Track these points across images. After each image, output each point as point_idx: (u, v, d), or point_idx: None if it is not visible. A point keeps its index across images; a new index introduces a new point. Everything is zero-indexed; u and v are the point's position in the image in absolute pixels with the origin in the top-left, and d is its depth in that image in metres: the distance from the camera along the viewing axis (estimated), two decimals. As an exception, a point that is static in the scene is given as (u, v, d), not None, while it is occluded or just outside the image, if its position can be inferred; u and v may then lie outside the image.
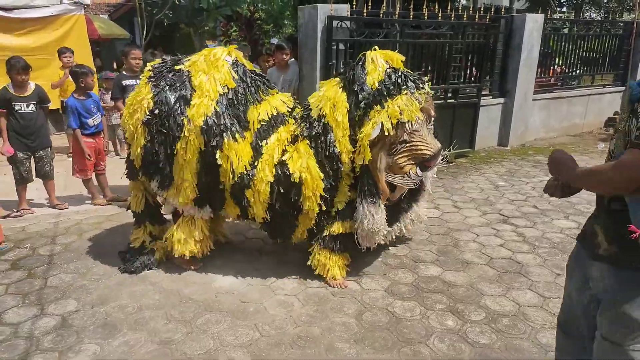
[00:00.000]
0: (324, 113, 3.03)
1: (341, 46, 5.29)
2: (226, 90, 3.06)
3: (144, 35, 11.37)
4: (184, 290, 3.15)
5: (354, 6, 5.55)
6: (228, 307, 2.95)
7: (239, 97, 3.10)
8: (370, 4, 5.97)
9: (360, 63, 3.08)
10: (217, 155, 3.01)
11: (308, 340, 2.65)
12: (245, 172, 3.06)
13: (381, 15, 5.54)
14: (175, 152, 3.04)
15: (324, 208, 3.11)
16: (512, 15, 6.94)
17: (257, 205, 3.12)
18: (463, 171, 6.08)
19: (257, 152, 3.10)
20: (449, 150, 3.86)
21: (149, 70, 3.21)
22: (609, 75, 8.81)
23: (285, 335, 2.69)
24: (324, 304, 3.00)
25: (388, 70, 3.02)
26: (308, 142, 3.06)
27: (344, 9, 5.29)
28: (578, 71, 8.43)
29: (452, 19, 6.03)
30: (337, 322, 2.82)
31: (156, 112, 3.02)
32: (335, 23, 5.12)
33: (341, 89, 3.08)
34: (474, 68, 6.53)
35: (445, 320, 2.84)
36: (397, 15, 5.71)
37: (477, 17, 6.27)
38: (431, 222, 4.35)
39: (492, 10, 7.03)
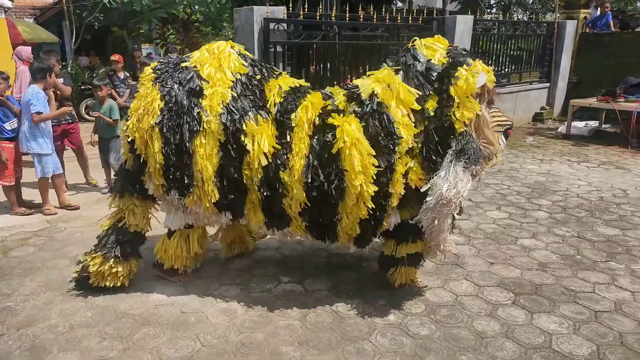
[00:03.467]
0: (377, 92, 2.78)
1: (279, 48, 5.28)
2: (239, 77, 2.89)
3: (74, 39, 10.82)
4: (119, 305, 3.01)
5: (290, 8, 5.57)
6: (168, 319, 2.85)
7: (253, 81, 2.91)
8: (306, 6, 6.00)
9: (412, 51, 2.87)
10: (242, 139, 2.75)
11: (252, 347, 2.61)
12: (274, 153, 2.76)
13: (318, 17, 5.57)
14: (194, 149, 2.77)
15: (375, 189, 2.68)
16: (443, 17, 7.20)
17: (295, 185, 2.74)
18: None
19: (284, 128, 2.81)
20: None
21: (151, 72, 2.93)
22: (536, 72, 9.35)
23: (228, 343, 2.64)
24: (268, 309, 2.97)
25: (447, 48, 2.89)
26: (358, 119, 2.76)
27: (280, 11, 5.29)
28: (507, 69, 8.89)
29: (387, 20, 6.17)
30: (281, 325, 2.80)
31: (168, 110, 2.78)
32: (272, 25, 5.10)
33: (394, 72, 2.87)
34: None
35: (387, 315, 2.90)
36: (333, 18, 5.78)
37: (410, 19, 6.45)
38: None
39: (425, 12, 7.26)
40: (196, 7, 12.02)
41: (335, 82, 5.80)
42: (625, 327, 2.77)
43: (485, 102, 2.84)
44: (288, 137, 2.79)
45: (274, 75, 3.02)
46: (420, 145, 2.76)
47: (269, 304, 3.02)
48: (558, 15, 9.69)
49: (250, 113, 2.80)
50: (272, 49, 5.15)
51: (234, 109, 2.78)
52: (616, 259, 3.63)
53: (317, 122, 2.80)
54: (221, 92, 2.79)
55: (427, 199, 2.64)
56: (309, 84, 3.16)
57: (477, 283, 3.29)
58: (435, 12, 7.23)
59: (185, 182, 2.83)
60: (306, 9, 5.67)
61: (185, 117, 2.76)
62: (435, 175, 2.65)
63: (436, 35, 3.02)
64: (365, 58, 6.27)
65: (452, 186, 2.58)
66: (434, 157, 2.73)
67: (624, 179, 5.68)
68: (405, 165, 2.75)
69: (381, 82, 2.83)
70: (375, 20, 6.04)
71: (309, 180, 2.72)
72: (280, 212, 2.87)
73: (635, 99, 7.35)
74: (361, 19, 5.88)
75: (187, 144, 2.76)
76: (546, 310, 2.96)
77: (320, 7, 5.62)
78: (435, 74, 2.77)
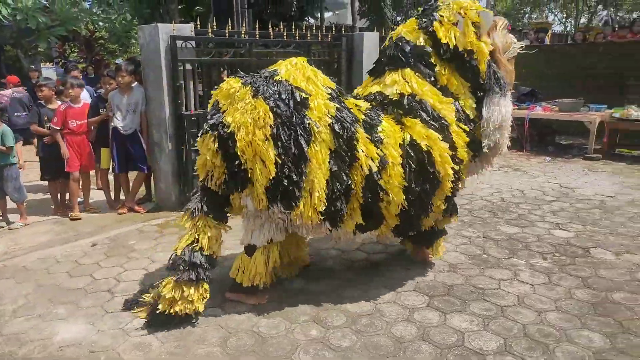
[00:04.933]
0: (402, 91, 3.20)
1: (188, 66, 5.15)
2: (329, 91, 3.01)
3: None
4: (18, 351, 2.73)
5: (198, 26, 5.47)
6: (74, 361, 2.64)
7: (338, 94, 3.08)
8: (215, 23, 5.93)
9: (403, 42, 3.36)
10: (357, 146, 2.90)
11: (169, 380, 2.48)
12: (376, 159, 2.96)
13: (227, 34, 5.53)
14: (307, 159, 2.80)
15: (465, 160, 3.27)
16: (352, 34, 7.46)
17: (394, 189, 2.98)
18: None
19: (374, 140, 3.01)
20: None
21: (243, 85, 2.87)
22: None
23: (143, 379, 2.49)
24: (186, 338, 2.84)
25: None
26: (410, 116, 3.15)
27: (188, 29, 5.18)
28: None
29: (297, 37, 6.27)
30: (200, 354, 2.69)
31: (281, 123, 2.78)
32: (179, 43, 4.97)
33: (389, 73, 3.32)
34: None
35: (310, 330, 2.90)
36: (244, 35, 5.76)
37: (320, 36, 6.61)
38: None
39: (334, 29, 7.47)
40: (100, 23, 11.44)
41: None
42: (528, 318, 3.00)
43: (495, 32, 3.37)
44: (380, 147, 3.01)
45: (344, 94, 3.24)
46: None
47: (187, 332, 2.90)
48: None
49: (357, 122, 2.99)
50: (181, 67, 5.02)
51: (342, 118, 2.92)
52: (517, 255, 3.93)
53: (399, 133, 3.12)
54: (324, 103, 2.91)
55: (487, 133, 3.30)
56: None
57: (395, 289, 3.40)
58: (344, 29, 7.45)
59: (296, 193, 2.82)
60: (214, 26, 5.61)
61: (297, 128, 2.81)
62: (483, 116, 3.28)
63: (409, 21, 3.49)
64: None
65: (494, 115, 3.25)
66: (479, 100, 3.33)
67: (521, 180, 6.21)
68: (463, 133, 3.24)
69: (397, 83, 3.24)
70: (285, 37, 6.11)
71: (408, 183, 3.03)
72: (377, 215, 3.08)
73: (526, 106, 8.09)
74: (272, 36, 5.93)
75: (302, 155, 2.80)
76: (458, 309, 3.12)
77: (229, 24, 5.56)
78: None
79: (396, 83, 3.23)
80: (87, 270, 3.78)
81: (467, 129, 3.26)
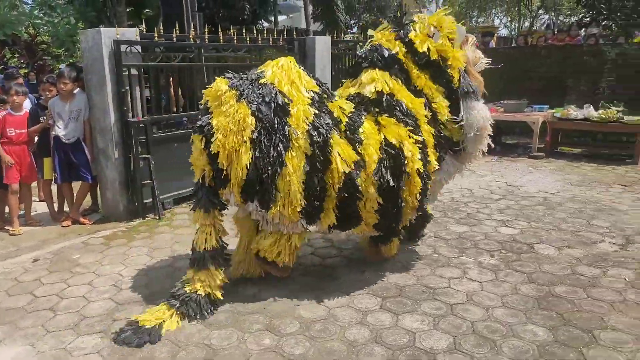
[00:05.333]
0: (382, 89, 3.40)
1: (134, 71, 5.00)
2: (312, 95, 3.16)
3: None
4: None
5: (144, 30, 5.32)
6: (11, 386, 2.48)
7: (322, 98, 3.22)
8: (164, 27, 5.80)
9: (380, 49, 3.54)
10: (332, 153, 3.05)
11: (115, 400, 2.38)
12: (354, 163, 3.13)
13: (175, 38, 5.40)
14: (284, 164, 2.97)
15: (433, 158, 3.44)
16: (304, 37, 7.48)
17: (370, 189, 3.18)
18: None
19: (355, 142, 3.19)
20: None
21: (228, 88, 3.01)
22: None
23: (86, 401, 2.38)
24: (133, 355, 2.74)
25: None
26: (386, 114, 3.35)
27: (133, 33, 5.02)
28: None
29: (248, 41, 6.22)
30: (148, 370, 2.60)
31: (262, 127, 2.95)
32: (123, 47, 4.81)
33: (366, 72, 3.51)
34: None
35: (262, 339, 2.86)
36: (192, 39, 5.65)
37: (271, 39, 6.58)
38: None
39: (285, 32, 7.47)
40: (41, 27, 10.93)
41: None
42: (476, 316, 3.08)
43: (466, 45, 3.67)
44: (359, 148, 3.19)
45: (332, 95, 3.40)
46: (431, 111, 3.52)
47: (133, 349, 2.79)
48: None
49: (333, 129, 3.12)
50: (126, 72, 4.85)
51: (319, 125, 3.06)
52: (466, 254, 4.04)
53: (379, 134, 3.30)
54: (304, 109, 3.06)
55: (469, 134, 3.54)
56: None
57: (348, 293, 3.41)
58: (295, 33, 7.45)
59: (271, 194, 3.01)
60: (161, 30, 5.47)
61: (277, 134, 2.98)
62: (459, 123, 3.53)
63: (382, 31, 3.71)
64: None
65: (472, 118, 3.49)
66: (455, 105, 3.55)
67: (470, 180, 6.39)
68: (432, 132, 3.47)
69: (376, 81, 3.44)
70: (236, 41, 6.04)
71: (381, 182, 3.20)
72: (355, 213, 3.27)
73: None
74: (221, 40, 5.84)
75: (280, 160, 2.97)
76: (410, 310, 3.17)
77: (176, 28, 5.44)
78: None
79: (374, 81, 3.44)
80: (27, 288, 3.59)
81: (433, 130, 3.51)
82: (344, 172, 3.08)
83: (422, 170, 3.32)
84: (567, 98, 8.67)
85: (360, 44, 10.18)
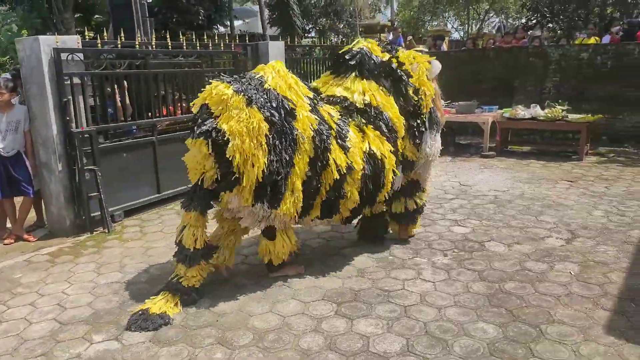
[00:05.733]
0: (369, 101, 3.69)
1: (76, 79, 4.79)
2: (308, 101, 3.39)
3: None
4: None
5: (92, 36, 5.12)
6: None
7: (315, 104, 3.45)
8: (114, 33, 5.60)
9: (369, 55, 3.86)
10: (330, 156, 3.34)
11: None
12: (344, 166, 3.41)
13: (119, 45, 5.23)
14: (293, 166, 3.20)
15: (398, 174, 3.88)
16: (256, 43, 7.42)
17: (353, 191, 3.52)
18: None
19: (344, 148, 3.45)
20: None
21: (235, 93, 3.09)
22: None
23: None
24: (76, 377, 2.61)
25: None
26: (372, 126, 3.66)
27: (74, 40, 4.82)
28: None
29: (198, 47, 6.10)
30: (91, 393, 2.48)
31: (275, 132, 3.13)
32: (64, 55, 4.61)
33: (359, 81, 3.80)
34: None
35: (214, 354, 2.78)
36: (138, 45, 5.49)
37: (222, 45, 6.49)
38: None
39: (239, 37, 7.38)
40: (-20, 34, 10.38)
41: (152, 112, 5.52)
42: (429, 316, 3.11)
43: (436, 81, 4.12)
44: (347, 155, 3.46)
45: (321, 100, 3.65)
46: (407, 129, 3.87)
47: (77, 371, 2.66)
48: (359, 38, 10.76)
49: (332, 134, 3.39)
50: (68, 81, 4.65)
51: (321, 131, 3.31)
52: (420, 254, 4.09)
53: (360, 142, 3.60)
54: (307, 116, 3.28)
55: (421, 162, 4.01)
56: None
57: (303, 300, 3.37)
58: (247, 38, 7.38)
59: (279, 194, 3.22)
60: (105, 37, 5.29)
61: (287, 138, 3.17)
62: (421, 147, 3.93)
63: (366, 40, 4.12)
64: (185, 85, 6.11)
65: (433, 149, 3.99)
66: (416, 135, 3.91)
67: (426, 181, 6.49)
68: (403, 146, 3.88)
69: (366, 92, 3.74)
70: (186, 47, 5.92)
71: (364, 184, 3.58)
72: (335, 209, 3.60)
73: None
74: (170, 47, 5.70)
75: (290, 162, 3.18)
76: (364, 314, 3.16)
77: (121, 34, 5.26)
78: (397, 71, 3.88)
79: (365, 92, 3.73)
80: (-39, 313, 3.35)
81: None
82: (337, 177, 3.39)
83: (394, 179, 3.81)
84: (516, 98, 8.99)
85: (318, 48, 10.23)
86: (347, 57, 3.88)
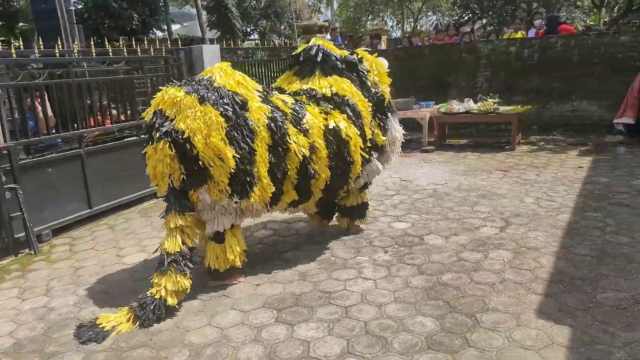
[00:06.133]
0: (337, 91, 3.97)
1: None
2: (258, 93, 3.58)
3: None
4: None
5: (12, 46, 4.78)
6: None
7: (266, 95, 3.66)
8: (40, 41, 5.25)
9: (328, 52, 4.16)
10: (290, 140, 3.49)
11: None
12: (306, 147, 3.58)
13: (37, 53, 4.91)
14: (254, 154, 3.34)
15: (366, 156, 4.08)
16: (190, 47, 7.21)
17: (322, 168, 3.70)
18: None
19: (302, 130, 3.62)
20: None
21: (187, 93, 3.21)
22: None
23: None
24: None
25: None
26: (338, 110, 3.90)
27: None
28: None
29: (126, 54, 5.84)
30: None
31: (231, 125, 3.27)
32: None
33: (324, 79, 4.05)
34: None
35: (147, 375, 2.64)
36: (58, 54, 5.17)
37: (152, 50, 6.25)
38: (136, 269, 4.08)
39: (178, 41, 7.15)
40: None
41: (78, 123, 5.22)
42: (369, 315, 3.10)
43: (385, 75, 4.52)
44: (308, 136, 3.64)
45: (272, 91, 3.90)
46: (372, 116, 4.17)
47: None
48: (300, 39, 10.76)
49: (287, 119, 3.56)
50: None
51: (275, 118, 3.48)
52: (362, 253, 4.10)
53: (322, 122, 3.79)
54: (259, 106, 3.45)
55: (387, 148, 4.38)
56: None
57: (243, 309, 3.28)
58: (179, 42, 7.16)
59: (248, 183, 3.35)
60: (21, 45, 4.95)
61: (243, 129, 3.31)
62: (389, 131, 4.30)
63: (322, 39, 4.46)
64: (115, 93, 5.83)
65: (399, 133, 4.43)
66: (383, 120, 4.27)
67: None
68: (372, 132, 4.14)
69: (332, 86, 4.00)
70: (112, 54, 5.65)
71: (331, 164, 3.77)
72: (307, 191, 3.75)
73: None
74: (94, 54, 5.42)
75: (251, 151, 3.32)
76: (305, 318, 3.12)
77: (39, 42, 4.94)
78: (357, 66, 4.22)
79: (332, 85, 4.00)
80: None
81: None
82: (300, 157, 3.55)
83: (369, 166, 4.15)
84: (450, 93, 9.27)
85: (260, 51, 10.12)
86: (308, 55, 4.15)
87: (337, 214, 4.57)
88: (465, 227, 4.50)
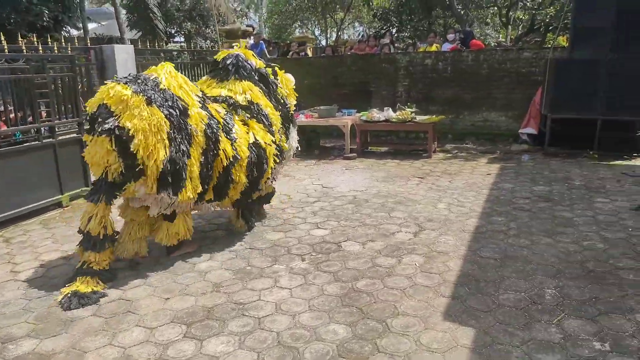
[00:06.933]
0: (251, 99, 4.41)
1: None
2: (198, 99, 3.89)
3: None
4: None
5: None
6: None
7: (204, 101, 3.99)
8: None
9: (246, 62, 4.65)
10: (219, 147, 3.88)
11: None
12: (231, 155, 3.99)
13: None
14: (189, 157, 3.67)
15: (277, 161, 4.62)
16: (100, 46, 6.80)
17: (241, 175, 4.12)
18: (78, 214, 5.52)
19: (231, 140, 4.02)
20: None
21: (134, 92, 3.45)
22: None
23: None
24: None
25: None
26: (255, 120, 4.36)
27: None
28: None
29: (25, 51, 5.37)
30: None
31: (173, 128, 3.55)
32: None
33: (239, 82, 4.50)
34: (69, 102, 6.04)
35: (33, 405, 2.39)
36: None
37: (56, 48, 5.80)
38: (31, 285, 3.72)
39: (92, 40, 6.70)
40: None
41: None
42: (282, 325, 3.04)
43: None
44: (235, 145, 4.06)
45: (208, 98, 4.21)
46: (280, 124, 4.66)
47: None
48: (221, 43, 10.55)
49: (221, 127, 3.96)
50: None
51: (211, 125, 3.85)
52: (279, 261, 4.04)
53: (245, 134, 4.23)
54: (198, 112, 3.78)
55: (287, 153, 4.87)
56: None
57: (149, 326, 3.09)
58: (88, 41, 6.72)
59: (180, 182, 3.66)
60: None
61: (183, 132, 3.64)
62: (289, 140, 4.84)
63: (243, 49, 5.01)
64: (14, 94, 5.32)
65: (295, 143, 5.04)
66: (287, 128, 4.82)
67: (289, 185, 6.51)
68: (279, 138, 4.60)
69: (244, 93, 4.42)
70: (7, 50, 5.16)
71: (250, 170, 4.20)
72: (225, 193, 4.16)
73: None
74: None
75: (187, 153, 3.65)
76: (216, 332, 2.99)
77: None
78: (268, 78, 4.73)
79: (245, 92, 4.40)
80: None
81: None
82: (226, 164, 3.94)
83: (274, 166, 4.53)
84: (373, 102, 9.52)
85: (185, 53, 9.73)
86: (227, 62, 4.56)
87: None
88: (381, 233, 4.60)
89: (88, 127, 3.63)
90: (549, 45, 10.12)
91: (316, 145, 9.01)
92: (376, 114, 8.30)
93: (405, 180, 6.63)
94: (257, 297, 3.43)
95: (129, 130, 3.39)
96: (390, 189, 6.18)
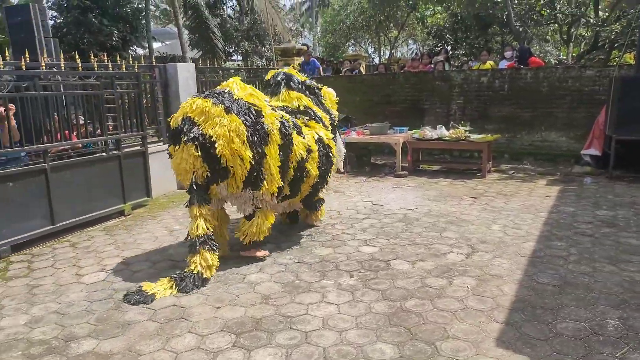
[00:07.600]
0: (305, 105, 4.85)
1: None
2: (267, 103, 4.29)
3: None
4: None
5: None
6: None
7: (272, 106, 4.42)
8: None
9: (293, 77, 5.06)
10: (293, 142, 4.28)
11: None
12: (305, 152, 4.41)
13: (0, 66, 4.80)
14: (266, 154, 4.02)
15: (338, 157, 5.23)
16: (164, 64, 7.19)
17: (314, 168, 4.54)
18: (139, 222, 5.84)
19: (301, 135, 4.45)
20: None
21: (214, 103, 3.91)
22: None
23: None
24: None
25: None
26: (314, 121, 4.81)
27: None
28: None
29: (97, 69, 5.78)
30: None
31: (251, 132, 3.92)
32: None
33: (291, 92, 4.91)
34: (134, 117, 6.41)
35: (92, 402, 2.52)
36: (24, 66, 5.08)
37: (124, 67, 6.20)
38: (93, 288, 3.95)
39: (157, 58, 7.11)
40: None
41: (43, 137, 5.09)
42: (329, 341, 3.04)
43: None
44: (305, 141, 4.48)
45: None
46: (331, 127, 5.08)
47: None
48: (276, 61, 10.85)
49: (293, 126, 4.37)
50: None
51: (284, 123, 4.22)
52: (327, 277, 4.05)
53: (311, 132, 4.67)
54: (271, 113, 4.19)
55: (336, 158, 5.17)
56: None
57: (200, 333, 3.18)
58: (144, 60, 7.12)
59: (259, 180, 4.04)
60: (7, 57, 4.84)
61: (260, 133, 3.99)
62: (337, 145, 5.19)
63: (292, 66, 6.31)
64: (84, 108, 5.72)
65: (342, 147, 5.53)
66: (334, 134, 5.13)
67: (339, 201, 6.55)
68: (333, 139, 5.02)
69: (297, 100, 4.85)
70: (81, 68, 5.57)
71: (321, 163, 4.66)
72: (299, 187, 4.53)
73: (342, 131, 8.67)
74: (62, 67, 5.34)
75: (263, 152, 4.00)
76: (264, 344, 3.04)
77: (7, 54, 4.85)
78: (315, 89, 5.20)
79: (297, 99, 4.81)
80: None
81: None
82: (300, 157, 4.32)
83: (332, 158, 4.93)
84: (426, 119, 9.42)
85: (242, 70, 10.16)
86: (277, 78, 4.96)
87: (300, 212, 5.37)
88: (431, 253, 4.51)
89: (171, 140, 4.05)
90: (614, 63, 9.65)
91: (367, 162, 9.00)
92: (428, 132, 8.20)
93: (458, 200, 6.48)
94: (304, 311, 3.45)
95: (211, 136, 3.80)
96: (441, 208, 6.06)
